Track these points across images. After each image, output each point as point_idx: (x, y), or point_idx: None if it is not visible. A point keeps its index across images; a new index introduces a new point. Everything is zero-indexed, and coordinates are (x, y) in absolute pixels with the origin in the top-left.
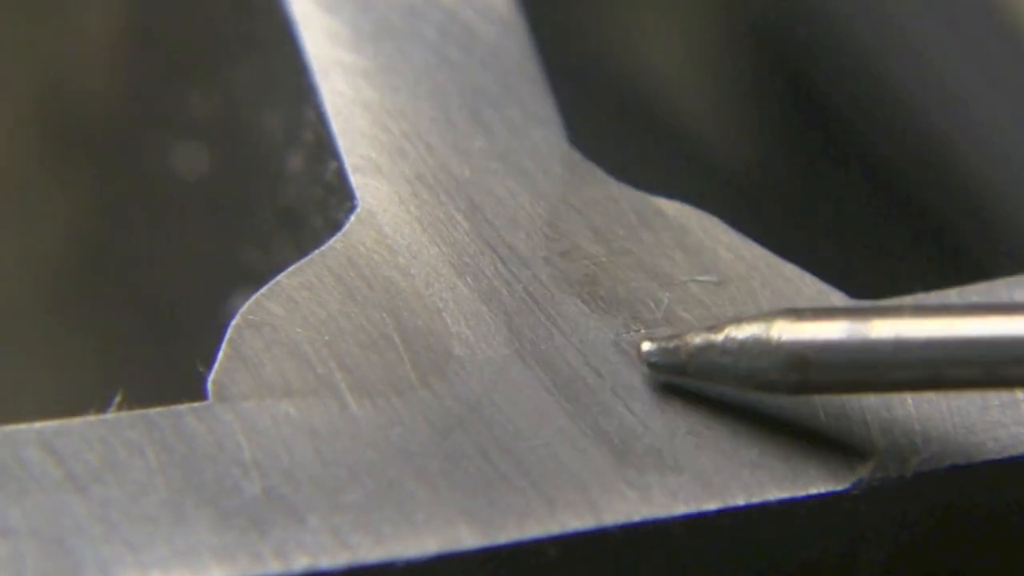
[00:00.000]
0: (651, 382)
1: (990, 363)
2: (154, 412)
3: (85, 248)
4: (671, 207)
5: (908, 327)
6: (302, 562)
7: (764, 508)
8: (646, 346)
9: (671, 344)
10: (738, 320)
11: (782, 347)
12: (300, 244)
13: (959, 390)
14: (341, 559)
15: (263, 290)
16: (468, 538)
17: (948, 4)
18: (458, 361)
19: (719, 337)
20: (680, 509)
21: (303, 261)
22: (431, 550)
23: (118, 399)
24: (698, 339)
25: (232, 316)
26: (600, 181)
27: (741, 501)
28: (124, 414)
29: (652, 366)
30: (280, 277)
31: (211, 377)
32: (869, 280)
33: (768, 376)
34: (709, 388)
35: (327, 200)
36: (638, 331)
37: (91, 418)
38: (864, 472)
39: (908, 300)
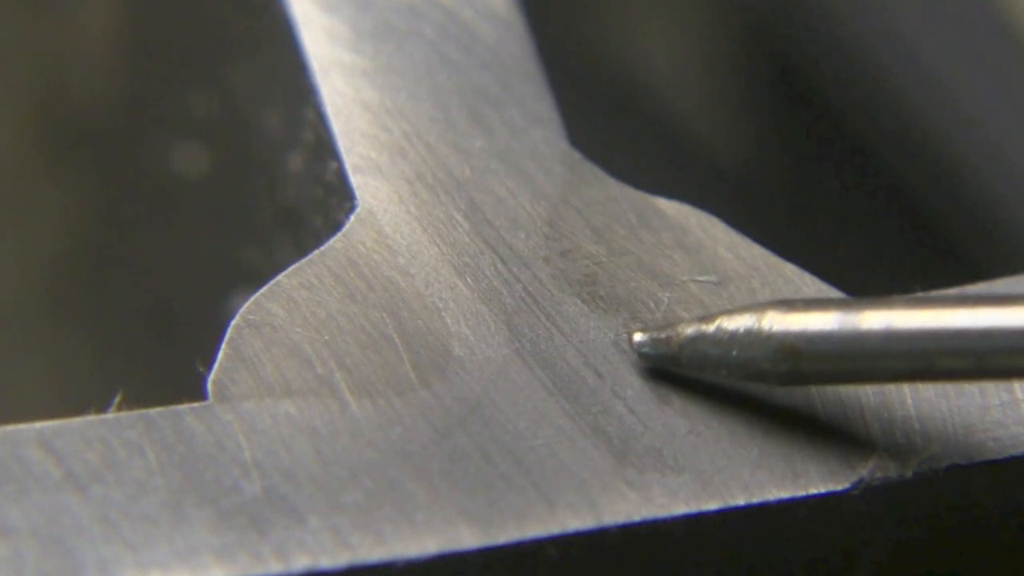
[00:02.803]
0: (641, 371)
1: (981, 353)
2: (154, 412)
3: (85, 248)
4: (671, 207)
5: (899, 318)
6: (302, 562)
7: (764, 508)
8: (638, 336)
9: (663, 334)
10: (730, 311)
11: (773, 337)
12: (300, 244)
13: (950, 381)
14: (341, 559)
15: (263, 290)
16: (468, 538)
17: (948, 4)
18: (458, 361)
19: (710, 328)
20: (680, 509)
21: (303, 261)
22: (431, 550)
23: (118, 399)
24: (690, 330)
25: (232, 316)
26: (600, 181)
27: (741, 501)
28: (124, 414)
29: (644, 356)
30: (280, 277)
31: (211, 377)
32: (869, 280)
33: (759, 366)
34: (701, 378)
35: (327, 200)
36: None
37: (91, 418)
38: (864, 472)
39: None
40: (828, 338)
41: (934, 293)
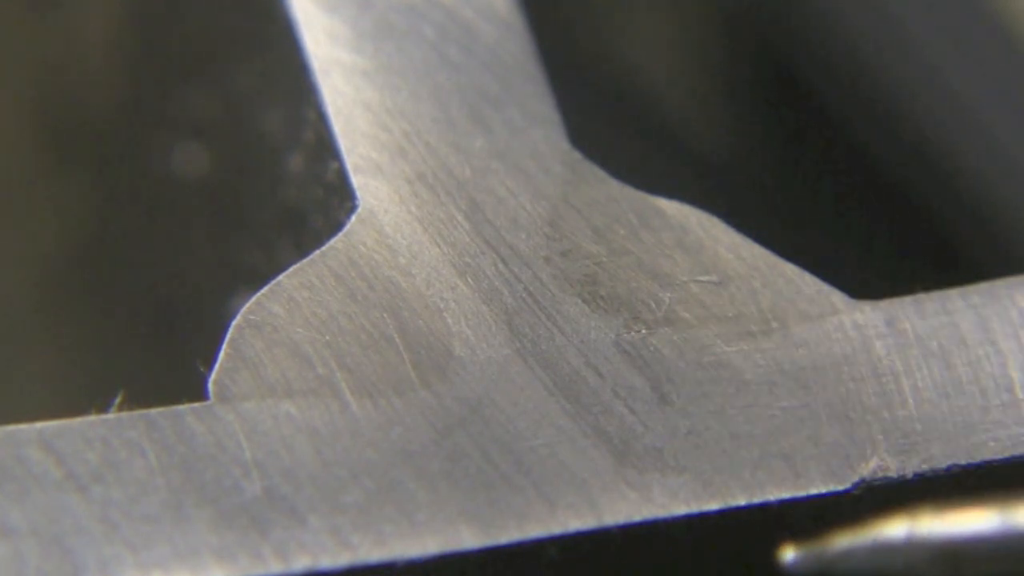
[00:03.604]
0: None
1: None
2: (154, 412)
3: (85, 248)
4: (671, 207)
5: None
6: (302, 562)
7: (764, 508)
8: (789, 555)
9: (815, 551)
10: (883, 520)
11: (932, 543)
12: (301, 244)
13: None
14: (342, 559)
15: (264, 290)
16: (468, 538)
17: (948, 4)
18: (458, 361)
19: (866, 539)
20: (680, 509)
21: (304, 261)
22: (431, 550)
23: (118, 399)
24: (843, 542)
25: (233, 316)
26: (600, 181)
27: (741, 501)
28: (124, 414)
29: (795, 573)
30: (281, 277)
31: (212, 377)
32: (869, 280)
33: (919, 574)
34: None
35: (328, 200)
36: (639, 331)
37: (91, 418)
38: (864, 472)
39: (909, 300)
40: (990, 541)
41: (942, 298)
